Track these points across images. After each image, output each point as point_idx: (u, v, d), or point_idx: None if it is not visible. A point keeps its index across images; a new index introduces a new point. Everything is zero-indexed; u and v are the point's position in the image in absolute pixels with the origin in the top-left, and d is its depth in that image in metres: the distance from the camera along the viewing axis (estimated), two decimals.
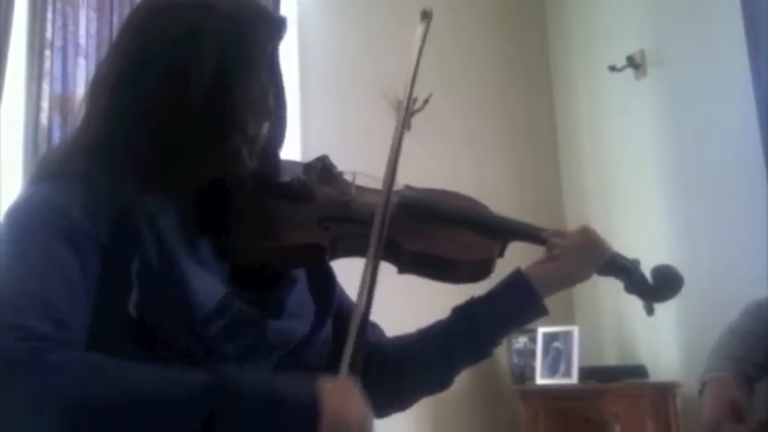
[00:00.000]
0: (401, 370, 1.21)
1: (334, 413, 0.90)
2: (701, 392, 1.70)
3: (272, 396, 0.90)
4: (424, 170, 3.43)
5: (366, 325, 0.99)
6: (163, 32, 1.04)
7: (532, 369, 3.51)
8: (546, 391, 3.42)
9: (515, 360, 3.60)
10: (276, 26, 1.09)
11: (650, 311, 1.28)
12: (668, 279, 1.26)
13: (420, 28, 1.18)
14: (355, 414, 0.92)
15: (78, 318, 0.90)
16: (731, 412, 1.61)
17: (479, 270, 1.18)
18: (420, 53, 1.15)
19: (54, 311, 0.88)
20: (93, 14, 2.89)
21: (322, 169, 1.19)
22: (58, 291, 0.90)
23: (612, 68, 3.66)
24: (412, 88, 1.14)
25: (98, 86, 1.07)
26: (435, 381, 1.24)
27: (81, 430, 0.83)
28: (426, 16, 1.19)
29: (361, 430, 0.91)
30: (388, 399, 1.22)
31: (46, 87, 2.74)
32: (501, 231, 1.23)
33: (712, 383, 1.67)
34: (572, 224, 3.84)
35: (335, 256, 1.12)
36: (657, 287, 1.26)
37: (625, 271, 1.26)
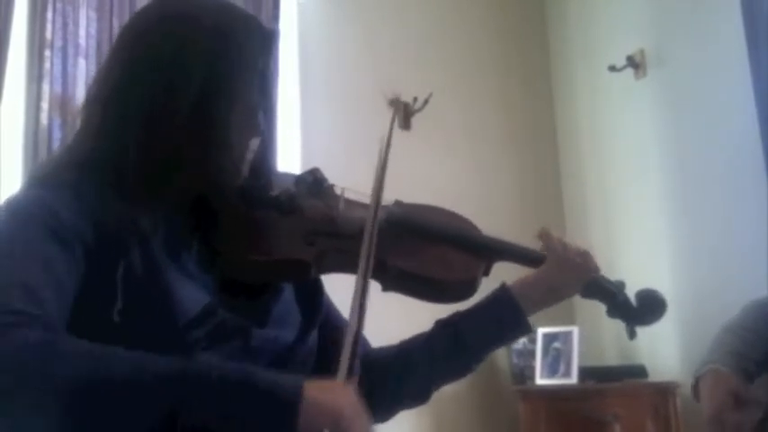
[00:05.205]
0: (382, 382, 1.17)
1: (317, 401, 0.86)
2: (693, 386, 1.68)
3: (250, 379, 0.87)
4: (424, 170, 3.45)
5: (359, 338, 0.97)
6: (150, 49, 1.05)
7: (532, 369, 3.51)
8: (546, 391, 3.42)
9: (515, 360, 3.60)
10: (266, 40, 1.09)
11: (632, 335, 1.26)
12: (652, 303, 1.26)
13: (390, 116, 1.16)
14: (341, 404, 0.88)
15: (59, 309, 0.90)
16: (732, 401, 1.59)
17: (463, 289, 1.17)
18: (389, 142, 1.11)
19: (35, 296, 0.87)
20: (93, 14, 2.89)
21: (312, 182, 1.18)
22: (43, 281, 0.89)
23: (612, 68, 3.66)
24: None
25: (90, 103, 1.08)
26: (415, 394, 1.23)
27: (48, 407, 0.82)
28: (394, 104, 1.17)
29: (347, 421, 0.87)
30: (368, 410, 1.21)
31: (46, 87, 2.73)
32: (486, 250, 1.22)
33: (708, 376, 1.65)
34: (572, 223, 3.84)
35: (321, 271, 1.12)
36: (641, 311, 1.26)
37: (609, 294, 1.26)
